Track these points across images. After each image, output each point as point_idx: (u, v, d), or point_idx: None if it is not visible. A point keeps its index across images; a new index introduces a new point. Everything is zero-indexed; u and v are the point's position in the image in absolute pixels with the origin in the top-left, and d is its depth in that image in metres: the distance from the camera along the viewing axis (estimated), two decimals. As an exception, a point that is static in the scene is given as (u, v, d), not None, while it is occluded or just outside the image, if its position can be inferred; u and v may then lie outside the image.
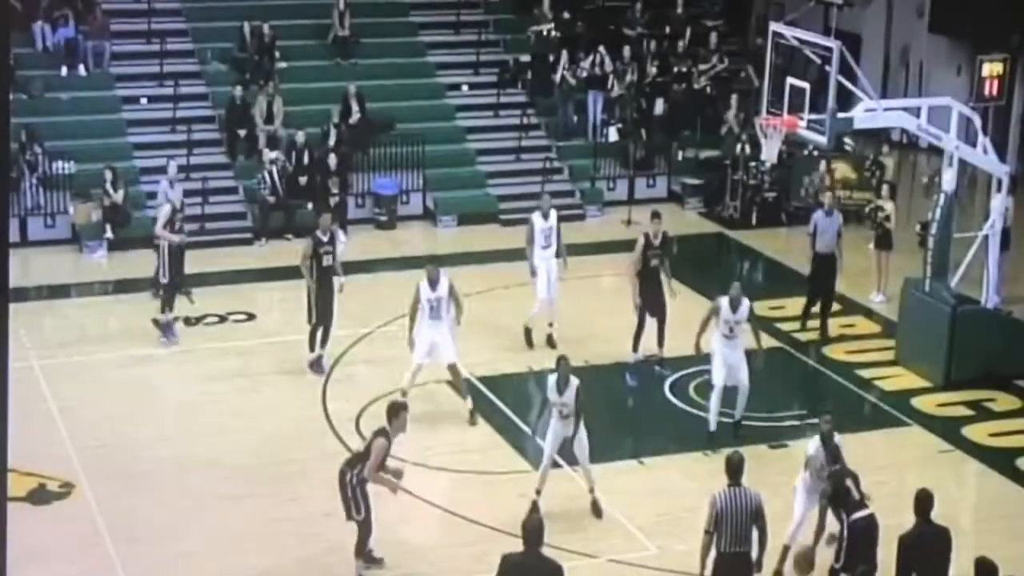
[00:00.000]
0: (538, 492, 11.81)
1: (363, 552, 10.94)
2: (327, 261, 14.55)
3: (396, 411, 10.85)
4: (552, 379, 11.74)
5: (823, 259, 15.92)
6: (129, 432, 13.24)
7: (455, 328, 13.88)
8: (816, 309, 16.07)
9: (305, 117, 20.45)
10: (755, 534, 9.38)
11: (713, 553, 9.46)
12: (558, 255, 15.46)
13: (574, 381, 11.66)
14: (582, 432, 11.72)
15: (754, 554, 9.47)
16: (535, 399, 14.00)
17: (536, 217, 15.53)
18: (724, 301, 13.07)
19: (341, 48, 21.96)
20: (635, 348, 15.01)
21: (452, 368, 13.78)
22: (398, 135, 20.49)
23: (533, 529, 8.27)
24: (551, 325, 15.42)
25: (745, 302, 13.12)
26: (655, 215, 15.26)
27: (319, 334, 14.71)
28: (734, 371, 13.08)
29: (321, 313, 14.60)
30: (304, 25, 22.27)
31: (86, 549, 11.24)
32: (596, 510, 11.90)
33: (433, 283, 13.58)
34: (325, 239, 14.59)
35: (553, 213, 15.54)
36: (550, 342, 15.34)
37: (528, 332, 15.40)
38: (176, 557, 11.22)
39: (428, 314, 13.56)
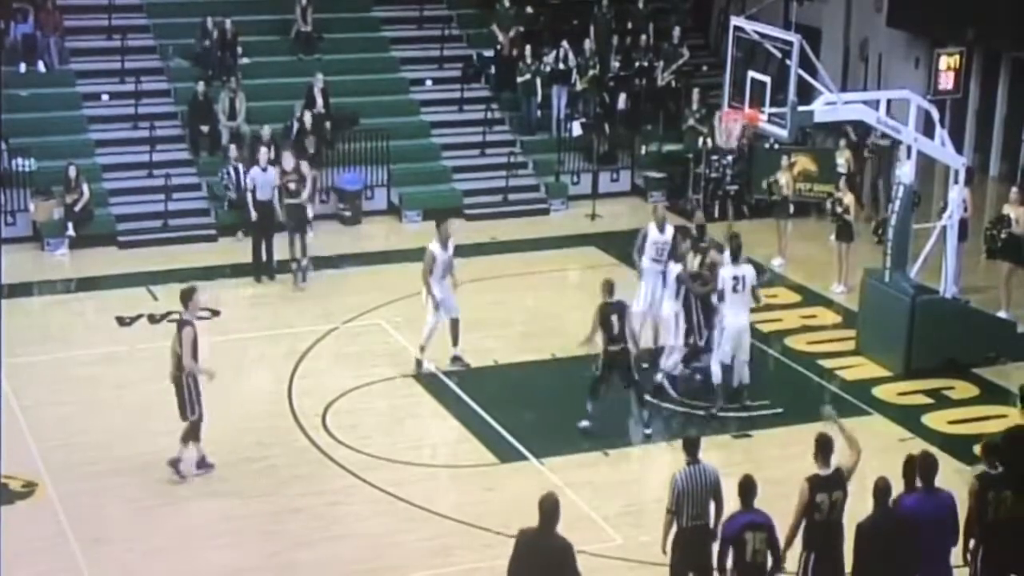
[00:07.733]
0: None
1: (191, 439, 12.08)
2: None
3: (189, 295, 12.04)
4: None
5: None
6: (92, 430, 13.19)
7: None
8: None
9: (268, 113, 20.39)
10: (712, 506, 9.68)
11: (674, 529, 9.70)
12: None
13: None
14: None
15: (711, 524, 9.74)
16: (502, 393, 14.09)
17: (651, 228, 14.68)
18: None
19: (304, 44, 21.91)
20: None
21: (455, 322, 14.16)
22: (362, 130, 20.47)
23: (548, 508, 8.56)
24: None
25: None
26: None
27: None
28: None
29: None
30: (266, 21, 22.21)
31: (50, 549, 11.18)
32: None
33: (445, 243, 13.97)
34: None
35: (669, 227, 14.69)
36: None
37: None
38: (141, 556, 11.19)
39: (440, 274, 13.92)
